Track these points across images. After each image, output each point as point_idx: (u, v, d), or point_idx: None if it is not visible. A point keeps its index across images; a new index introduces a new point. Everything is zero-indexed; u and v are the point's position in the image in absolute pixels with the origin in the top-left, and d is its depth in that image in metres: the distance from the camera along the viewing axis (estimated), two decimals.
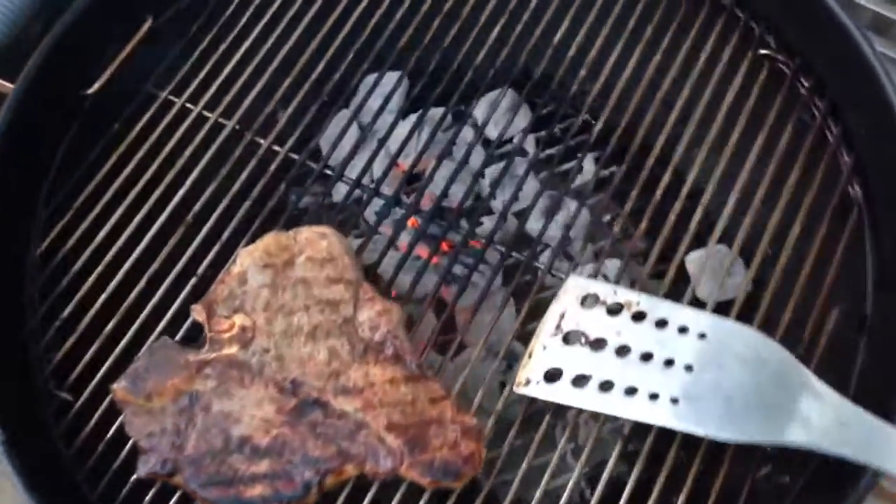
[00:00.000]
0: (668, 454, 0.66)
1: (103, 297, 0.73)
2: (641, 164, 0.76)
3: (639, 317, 0.67)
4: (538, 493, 0.66)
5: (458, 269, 0.92)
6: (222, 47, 0.83)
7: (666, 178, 0.76)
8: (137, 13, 0.82)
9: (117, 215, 0.76)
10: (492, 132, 0.94)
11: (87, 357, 0.71)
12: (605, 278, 0.81)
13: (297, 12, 0.84)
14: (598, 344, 0.67)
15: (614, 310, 0.67)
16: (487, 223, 0.98)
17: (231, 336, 0.68)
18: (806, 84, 0.78)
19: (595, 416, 0.67)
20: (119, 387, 0.66)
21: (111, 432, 0.69)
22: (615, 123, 0.78)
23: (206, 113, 0.80)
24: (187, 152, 0.78)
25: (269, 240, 0.71)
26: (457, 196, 0.81)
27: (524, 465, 0.67)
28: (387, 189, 0.81)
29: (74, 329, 0.72)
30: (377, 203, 0.80)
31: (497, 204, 0.99)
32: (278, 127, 0.80)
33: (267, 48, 0.83)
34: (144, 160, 0.78)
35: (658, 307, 0.67)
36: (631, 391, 0.65)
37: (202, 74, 0.82)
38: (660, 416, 0.64)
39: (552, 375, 0.66)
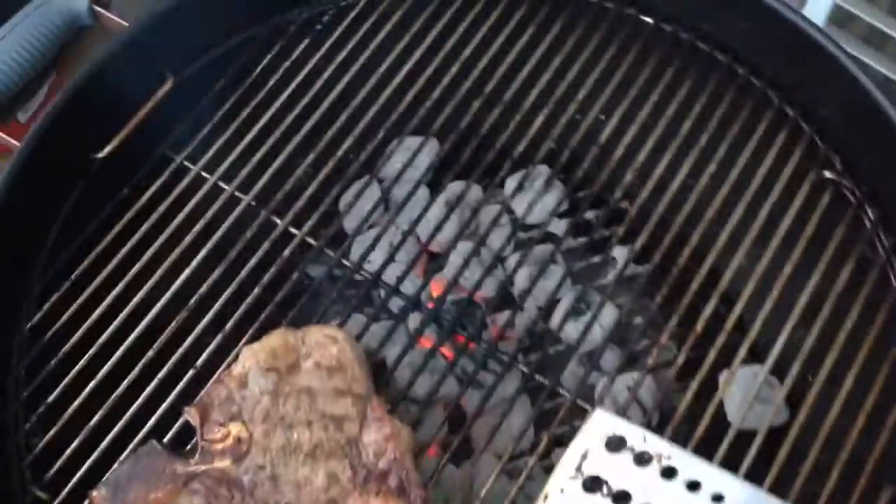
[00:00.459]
0: None
1: (93, 383, 0.67)
2: (688, 281, 0.70)
3: (669, 473, 0.61)
4: None
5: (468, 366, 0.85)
6: (245, 112, 0.77)
7: (712, 304, 0.70)
8: (158, 70, 0.77)
9: (116, 292, 0.70)
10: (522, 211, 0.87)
11: (69, 451, 0.66)
12: (638, 404, 0.75)
13: (329, 79, 0.79)
14: (621, 498, 0.61)
15: (642, 459, 0.62)
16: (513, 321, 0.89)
17: (224, 447, 0.63)
18: (872, 216, 0.71)
19: None
20: (98, 495, 0.61)
21: None
22: (660, 238, 0.72)
23: (221, 184, 0.75)
24: (197, 227, 0.72)
25: (276, 340, 0.66)
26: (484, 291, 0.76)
27: None
28: (409, 284, 0.75)
29: (59, 417, 0.67)
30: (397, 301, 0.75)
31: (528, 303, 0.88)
32: (297, 206, 0.74)
33: (294, 115, 0.77)
34: (150, 233, 0.72)
35: (691, 466, 0.60)
36: None
37: (222, 139, 0.76)
38: None
39: None
